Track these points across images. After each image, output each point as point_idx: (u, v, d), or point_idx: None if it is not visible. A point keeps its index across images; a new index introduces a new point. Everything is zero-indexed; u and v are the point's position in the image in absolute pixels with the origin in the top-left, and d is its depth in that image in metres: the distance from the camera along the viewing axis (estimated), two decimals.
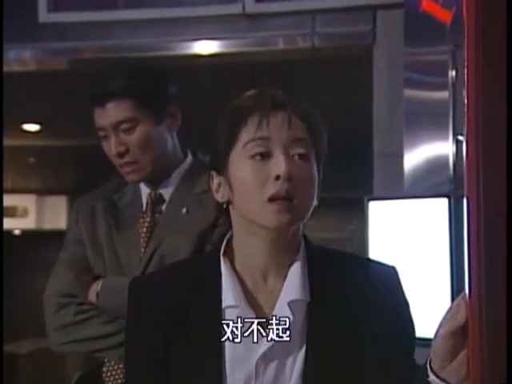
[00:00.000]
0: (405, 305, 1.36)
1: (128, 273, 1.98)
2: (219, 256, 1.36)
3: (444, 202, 2.78)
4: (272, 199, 1.27)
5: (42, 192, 7.62)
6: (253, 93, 1.34)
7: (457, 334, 1.14)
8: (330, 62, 3.89)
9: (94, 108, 1.98)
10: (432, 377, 1.19)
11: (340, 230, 6.87)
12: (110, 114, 1.95)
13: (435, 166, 3.18)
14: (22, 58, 4.06)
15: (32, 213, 7.64)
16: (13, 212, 7.44)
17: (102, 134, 2.00)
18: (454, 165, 3.14)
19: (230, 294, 1.32)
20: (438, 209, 2.79)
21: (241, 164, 1.30)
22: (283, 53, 3.83)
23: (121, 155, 1.97)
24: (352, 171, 4.81)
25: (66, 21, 3.98)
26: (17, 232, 7.59)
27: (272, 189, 1.27)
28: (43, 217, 7.62)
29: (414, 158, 3.24)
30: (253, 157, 1.29)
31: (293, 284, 1.32)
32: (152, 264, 1.96)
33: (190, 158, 2.08)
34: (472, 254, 1.11)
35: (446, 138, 3.17)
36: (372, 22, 3.66)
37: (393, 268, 1.37)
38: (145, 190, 2.07)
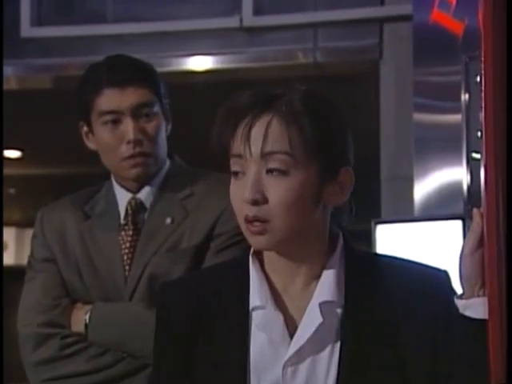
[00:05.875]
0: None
1: (113, 295, 1.94)
2: (248, 257, 1.38)
3: (458, 224, 2.77)
4: (246, 221, 1.30)
5: (22, 224, 7.60)
6: (236, 98, 1.32)
7: (480, 246, 1.25)
8: (334, 78, 3.90)
9: (102, 89, 1.93)
10: (463, 301, 1.27)
11: None
12: (131, 95, 1.93)
13: (448, 189, 3.18)
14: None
15: (11, 247, 7.62)
16: None
17: (110, 118, 1.93)
18: (468, 187, 3.14)
19: (256, 295, 1.34)
20: (451, 232, 2.78)
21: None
22: (283, 69, 3.85)
23: (137, 143, 1.92)
24: (357, 197, 4.79)
25: (50, 35, 4.00)
26: None
27: (244, 211, 1.29)
28: (23, 251, 7.59)
29: (425, 181, 3.24)
30: (232, 173, 1.32)
31: (326, 284, 1.33)
32: (141, 285, 1.92)
33: (167, 161, 2.04)
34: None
35: (459, 160, 3.18)
36: (379, 35, 3.69)
37: (444, 272, 1.36)
38: (122, 197, 2.00)
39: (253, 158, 1.28)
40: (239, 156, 1.29)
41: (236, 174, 1.31)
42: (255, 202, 1.28)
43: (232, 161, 1.31)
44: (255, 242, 1.31)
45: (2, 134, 2.77)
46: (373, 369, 1.30)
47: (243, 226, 1.31)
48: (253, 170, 1.28)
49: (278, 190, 1.28)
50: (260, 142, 1.27)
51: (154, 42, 3.87)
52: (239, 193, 1.30)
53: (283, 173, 1.28)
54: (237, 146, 1.29)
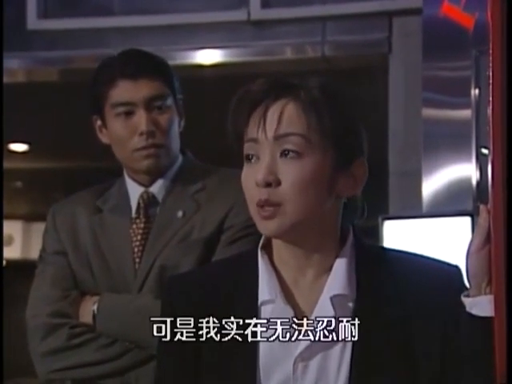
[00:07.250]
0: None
1: (123, 288, 1.95)
2: (257, 251, 1.37)
3: (467, 221, 2.75)
4: (258, 205, 1.29)
5: (28, 218, 7.59)
6: (251, 86, 1.34)
7: (486, 243, 1.23)
8: (342, 72, 3.87)
9: (116, 81, 1.96)
10: (469, 299, 1.26)
11: None
12: (144, 87, 1.95)
13: (457, 185, 3.17)
14: (8, 68, 4.05)
15: (17, 241, 7.62)
16: None
17: (123, 109, 1.96)
18: (478, 183, 3.13)
19: (265, 289, 1.33)
20: (460, 229, 2.76)
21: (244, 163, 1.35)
22: (291, 63, 3.84)
23: (150, 135, 1.94)
24: (365, 192, 4.78)
25: (57, 28, 3.99)
26: None
27: (256, 195, 1.29)
28: (30, 245, 7.59)
29: (434, 177, 3.23)
30: (245, 159, 1.32)
31: (337, 278, 1.32)
32: (151, 278, 1.93)
33: (180, 156, 2.06)
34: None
35: (468, 156, 3.16)
36: (388, 29, 3.67)
37: (456, 267, 1.35)
38: (134, 191, 2.02)
39: (267, 140, 1.28)
40: (254, 140, 1.30)
41: (249, 158, 1.31)
42: (268, 184, 1.27)
43: (246, 146, 1.31)
44: (266, 227, 1.29)
45: (2, 130, 2.76)
46: (385, 365, 1.29)
47: (254, 212, 1.30)
48: (267, 153, 1.29)
49: (291, 172, 1.28)
50: (275, 124, 1.28)
51: (160, 35, 3.86)
52: (252, 177, 1.30)
53: (297, 155, 1.28)
54: (251, 130, 1.30)
